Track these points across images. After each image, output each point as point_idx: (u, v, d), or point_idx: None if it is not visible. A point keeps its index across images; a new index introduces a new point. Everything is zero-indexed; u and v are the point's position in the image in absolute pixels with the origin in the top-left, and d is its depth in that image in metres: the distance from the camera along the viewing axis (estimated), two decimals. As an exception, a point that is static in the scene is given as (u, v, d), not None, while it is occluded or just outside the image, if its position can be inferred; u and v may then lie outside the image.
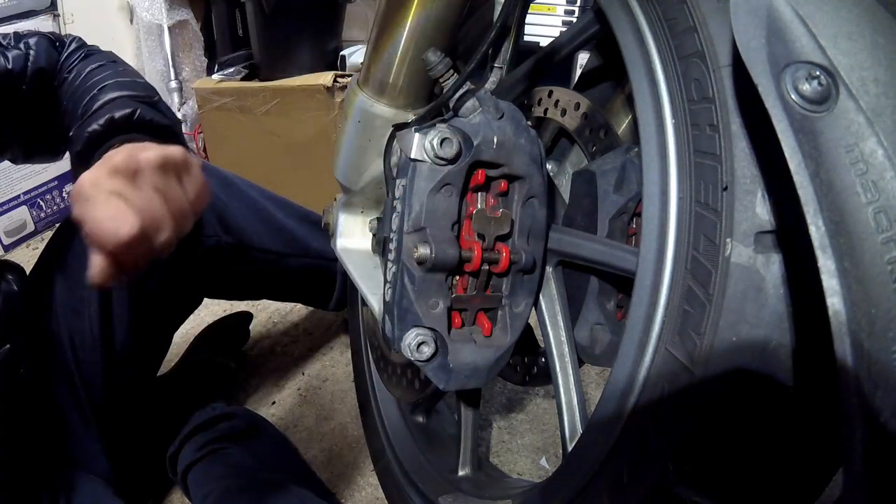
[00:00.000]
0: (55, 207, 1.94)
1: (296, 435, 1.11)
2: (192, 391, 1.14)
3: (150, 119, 0.66)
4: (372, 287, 0.65)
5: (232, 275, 1.04)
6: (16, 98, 0.76)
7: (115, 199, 0.52)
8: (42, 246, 0.94)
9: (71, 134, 0.65)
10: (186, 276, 0.97)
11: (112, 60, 0.80)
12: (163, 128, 0.67)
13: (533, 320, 0.61)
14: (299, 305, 1.47)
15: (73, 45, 0.81)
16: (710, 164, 0.38)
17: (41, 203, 1.89)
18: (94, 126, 0.63)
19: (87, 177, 0.53)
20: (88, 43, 0.83)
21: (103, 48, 0.84)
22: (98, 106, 0.66)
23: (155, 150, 0.56)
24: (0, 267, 0.80)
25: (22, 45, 0.76)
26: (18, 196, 1.82)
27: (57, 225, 1.04)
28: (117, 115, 0.64)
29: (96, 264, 0.52)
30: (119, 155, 0.54)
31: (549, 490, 0.53)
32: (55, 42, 0.80)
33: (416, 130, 0.51)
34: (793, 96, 0.30)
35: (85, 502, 0.80)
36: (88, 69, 0.75)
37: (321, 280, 1.18)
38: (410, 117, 0.58)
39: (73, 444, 0.86)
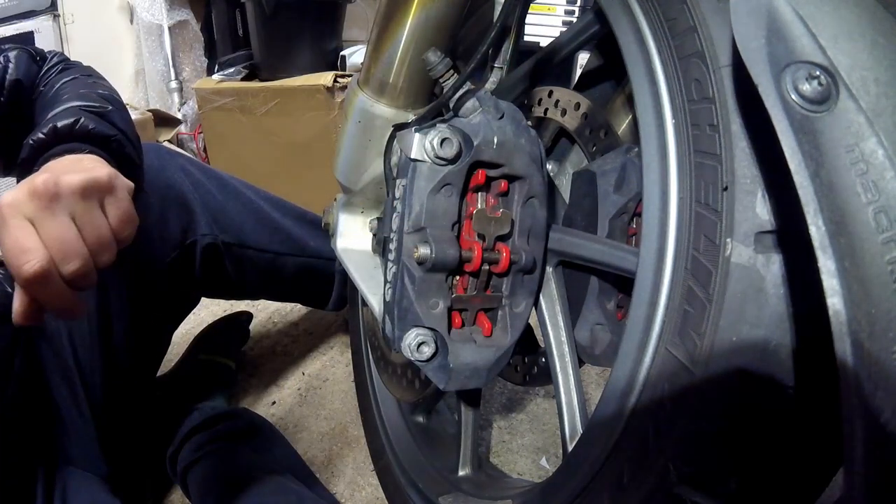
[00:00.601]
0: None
1: (296, 435, 1.11)
2: (192, 391, 1.14)
3: (91, 129, 0.65)
4: (372, 287, 0.65)
5: (229, 274, 1.04)
6: None
7: (27, 226, 0.51)
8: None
9: (24, 142, 0.64)
10: (183, 275, 0.97)
11: (87, 74, 0.79)
12: (105, 138, 0.66)
13: (533, 320, 0.61)
14: (299, 305, 1.47)
15: (54, 60, 0.80)
16: (711, 164, 0.38)
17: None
18: (39, 135, 0.63)
19: (7, 196, 0.52)
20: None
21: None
22: (50, 116, 0.66)
23: (79, 175, 0.54)
24: None
25: (1, 58, 0.76)
26: (18, 196, 1.82)
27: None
28: (60, 124, 0.63)
29: (17, 302, 0.52)
30: (41, 176, 0.53)
31: (549, 490, 0.53)
32: (36, 57, 0.80)
33: (416, 130, 0.51)
34: (793, 96, 0.30)
35: (82, 501, 0.80)
36: (61, 82, 0.75)
37: (319, 280, 1.18)
38: (410, 117, 0.58)
39: (71, 442, 0.86)
